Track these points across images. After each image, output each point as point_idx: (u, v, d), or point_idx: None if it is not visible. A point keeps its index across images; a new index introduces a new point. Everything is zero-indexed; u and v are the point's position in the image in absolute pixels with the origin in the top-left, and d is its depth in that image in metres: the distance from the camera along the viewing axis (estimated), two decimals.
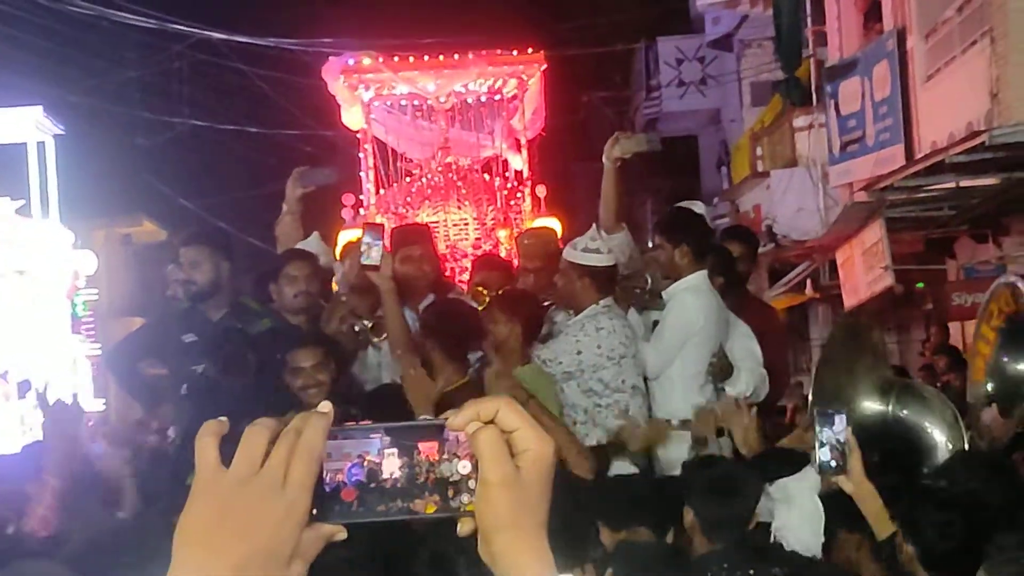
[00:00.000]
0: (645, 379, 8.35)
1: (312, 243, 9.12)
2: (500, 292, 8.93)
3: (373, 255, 7.81)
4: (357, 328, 8.49)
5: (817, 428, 5.15)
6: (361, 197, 16.60)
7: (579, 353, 8.07)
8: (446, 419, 1.66)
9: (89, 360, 19.35)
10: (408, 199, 16.40)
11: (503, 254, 15.28)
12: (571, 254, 8.42)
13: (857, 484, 5.12)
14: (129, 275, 33.10)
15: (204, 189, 33.95)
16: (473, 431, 1.64)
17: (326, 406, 1.66)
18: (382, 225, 9.08)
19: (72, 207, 21.09)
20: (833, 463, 5.10)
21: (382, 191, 16.69)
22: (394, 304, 8.01)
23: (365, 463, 1.65)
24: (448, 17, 27.53)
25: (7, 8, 26.83)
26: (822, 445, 5.11)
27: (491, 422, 1.65)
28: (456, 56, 17.07)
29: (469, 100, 17.24)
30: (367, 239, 7.88)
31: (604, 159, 9.00)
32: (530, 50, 17.40)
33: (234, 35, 27.56)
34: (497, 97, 17.30)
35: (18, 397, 16.90)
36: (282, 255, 8.73)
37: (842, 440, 5.12)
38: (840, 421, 5.16)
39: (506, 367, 7.88)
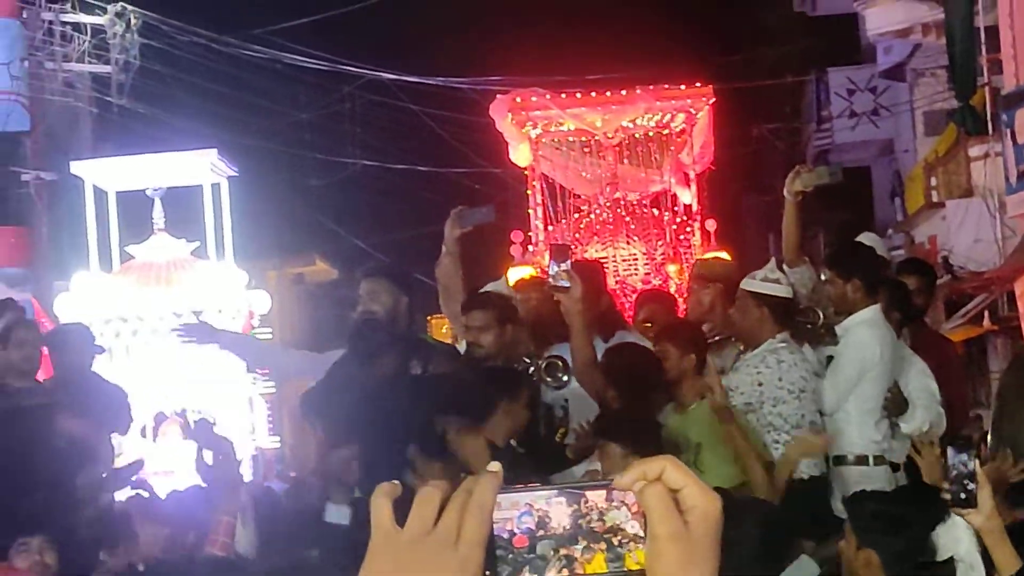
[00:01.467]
0: (821, 414, 8.26)
1: (501, 285, 9.12)
2: (666, 325, 8.86)
3: (562, 277, 7.64)
4: (531, 368, 8.42)
5: (947, 461, 5.00)
6: (530, 234, 16.65)
7: (760, 385, 8.00)
8: (612, 479, 1.67)
9: (264, 398, 19.58)
10: (577, 235, 16.43)
11: (672, 289, 15.21)
12: (750, 284, 8.36)
13: (986, 519, 4.95)
14: (302, 314, 33.54)
15: (375, 228, 34.32)
16: (640, 489, 1.65)
17: (495, 466, 1.70)
18: (568, 246, 8.98)
19: (246, 247, 21.42)
20: (962, 496, 4.94)
21: (550, 227, 16.73)
22: (582, 327, 7.86)
23: (534, 511, 1.65)
24: (615, 52, 27.54)
25: (183, 54, 27.40)
26: (951, 478, 4.96)
27: (657, 480, 1.66)
28: (623, 91, 17.08)
29: (637, 135, 17.21)
30: (555, 261, 7.76)
31: (785, 193, 8.91)
32: (698, 83, 17.35)
33: (403, 75, 27.86)
34: (665, 131, 17.26)
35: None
36: (463, 303, 8.61)
37: (971, 473, 4.95)
38: (969, 454, 5.01)
39: (686, 399, 7.85)
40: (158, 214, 18.96)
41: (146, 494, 8.91)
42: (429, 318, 21.42)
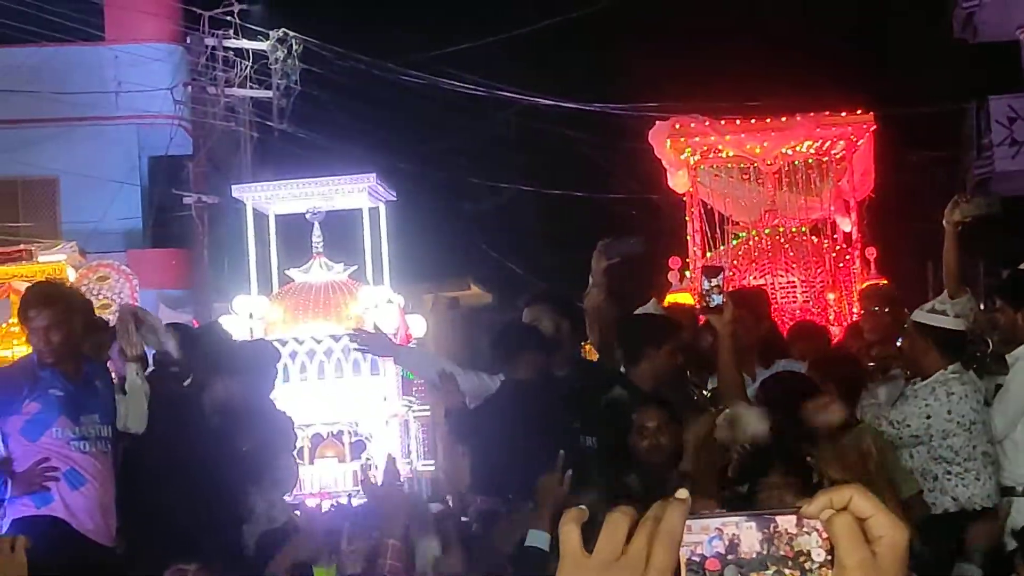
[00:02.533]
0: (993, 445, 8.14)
1: (652, 307, 9.11)
2: (817, 357, 8.79)
3: (714, 292, 7.59)
4: (696, 396, 8.38)
5: None
6: (687, 260, 16.58)
7: (928, 418, 7.90)
8: (799, 507, 1.66)
9: (419, 421, 19.70)
10: (735, 262, 16.29)
11: (831, 317, 15.06)
12: (919, 316, 8.27)
13: None
14: (455, 337, 33.69)
15: (530, 253, 34.36)
16: (828, 517, 1.64)
17: (683, 493, 1.68)
18: (722, 267, 8.94)
19: (402, 271, 21.56)
20: None
21: (708, 254, 16.64)
22: (730, 349, 7.81)
23: (724, 535, 1.64)
24: (774, 79, 27.36)
25: (343, 79, 27.69)
26: None
27: (844, 509, 1.64)
28: (783, 118, 16.94)
29: (796, 162, 17.05)
30: (706, 277, 7.72)
31: (944, 223, 8.83)
32: (859, 111, 17.16)
33: (560, 101, 27.91)
34: (825, 159, 17.08)
35: (351, 457, 17.29)
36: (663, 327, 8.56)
37: None
38: None
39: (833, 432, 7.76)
40: (317, 237, 19.15)
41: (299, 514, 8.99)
42: (583, 344, 21.38)
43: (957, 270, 8.98)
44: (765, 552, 1.64)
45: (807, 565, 1.64)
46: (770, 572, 1.64)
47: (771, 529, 1.64)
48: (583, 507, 1.71)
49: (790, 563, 1.64)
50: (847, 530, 1.62)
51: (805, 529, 1.65)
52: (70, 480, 7.60)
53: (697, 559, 1.64)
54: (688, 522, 1.65)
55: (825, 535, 1.64)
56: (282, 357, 17.59)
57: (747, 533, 1.65)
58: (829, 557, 1.63)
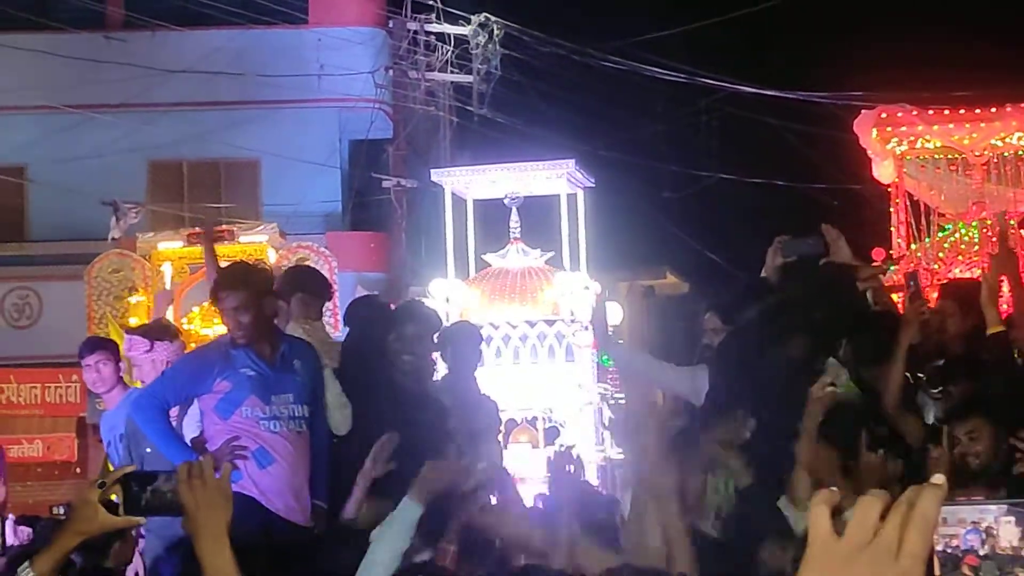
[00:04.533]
0: None
1: None
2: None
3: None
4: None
5: None
6: (891, 252, 16.30)
7: None
8: None
9: (613, 409, 19.59)
10: (940, 255, 15.99)
11: None
12: None
13: None
14: (649, 327, 33.47)
15: (729, 242, 33.99)
16: None
17: (940, 479, 1.65)
18: None
19: (599, 258, 21.46)
20: None
21: (913, 246, 16.35)
22: (906, 340, 7.60)
23: (982, 529, 1.51)
24: (984, 68, 26.75)
25: (543, 65, 27.67)
26: None
27: None
28: (993, 108, 16.54)
29: (1006, 153, 16.67)
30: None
31: None
32: None
33: (764, 89, 27.59)
34: None
35: (545, 444, 17.26)
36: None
37: None
38: None
39: None
40: (514, 223, 19.17)
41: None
42: None
43: None
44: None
45: None
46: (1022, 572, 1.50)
47: None
48: (835, 489, 1.67)
49: None
50: None
51: None
52: (258, 459, 7.64)
53: (952, 553, 1.52)
54: (944, 513, 1.52)
55: None
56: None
57: (1005, 527, 1.53)
58: None
